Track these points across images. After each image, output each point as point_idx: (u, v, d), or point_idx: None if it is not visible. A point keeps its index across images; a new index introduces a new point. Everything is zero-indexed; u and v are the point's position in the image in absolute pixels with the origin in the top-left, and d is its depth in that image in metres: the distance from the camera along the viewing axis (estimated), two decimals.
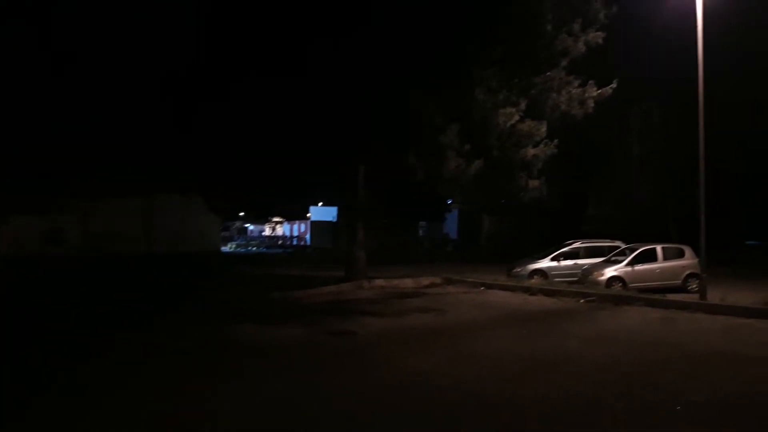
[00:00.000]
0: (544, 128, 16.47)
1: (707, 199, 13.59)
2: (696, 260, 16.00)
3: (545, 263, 19.31)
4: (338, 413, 5.71)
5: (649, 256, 17.08)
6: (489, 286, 17.34)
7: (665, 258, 17.18)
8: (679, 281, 16.84)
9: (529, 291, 15.80)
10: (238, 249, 55.94)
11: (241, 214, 62.07)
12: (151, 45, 16.56)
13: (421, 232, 54.39)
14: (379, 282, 18.04)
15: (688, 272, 16.86)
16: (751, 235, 38.00)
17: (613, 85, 16.54)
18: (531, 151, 16.50)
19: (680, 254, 17.48)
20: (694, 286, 15.82)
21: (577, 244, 19.97)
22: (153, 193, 36.72)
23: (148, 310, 13.15)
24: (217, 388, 6.60)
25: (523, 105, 15.95)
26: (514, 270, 19.57)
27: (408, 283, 18.51)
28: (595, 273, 16.89)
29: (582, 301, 14.07)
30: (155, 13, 15.98)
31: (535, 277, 18.60)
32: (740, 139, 25.90)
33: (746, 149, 26.34)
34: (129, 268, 25.86)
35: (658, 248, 17.41)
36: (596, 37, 16.10)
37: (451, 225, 51.59)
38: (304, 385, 6.76)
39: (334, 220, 52.19)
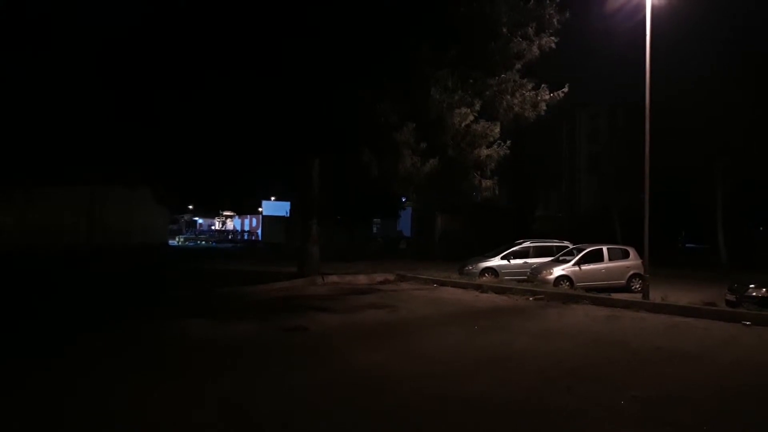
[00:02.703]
0: (497, 129, 16.77)
1: (651, 202, 14.14)
2: (640, 261, 16.60)
3: (496, 262, 19.66)
4: (288, 410, 5.65)
5: (596, 257, 17.64)
6: (441, 284, 17.54)
7: (611, 258, 17.78)
8: (624, 281, 17.47)
9: (481, 288, 16.06)
10: (187, 243, 54.69)
11: (190, 207, 60.63)
12: (100, 29, 15.96)
13: (375, 229, 54.51)
14: (333, 278, 17.96)
15: (632, 272, 17.50)
16: (690, 238, 39.83)
17: (565, 89, 16.96)
18: (485, 152, 16.78)
19: (625, 255, 18.13)
20: (638, 285, 16.44)
21: (526, 244, 20.42)
22: (96, 184, 35.36)
23: (81, 306, 12.63)
24: (161, 386, 6.41)
25: (477, 106, 16.19)
26: (466, 268, 19.84)
27: (361, 279, 18.51)
28: (544, 272, 17.31)
29: (531, 299, 14.40)
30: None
31: (486, 275, 18.94)
32: (682, 145, 27.01)
33: (688, 155, 27.51)
34: (66, 262, 24.81)
35: (604, 249, 18.01)
36: (549, 41, 16.48)
37: (405, 223, 51.92)
38: (254, 381, 6.65)
39: (287, 215, 51.68)
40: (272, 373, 7.08)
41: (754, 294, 12.00)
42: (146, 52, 15.32)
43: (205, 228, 74.25)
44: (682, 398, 6.05)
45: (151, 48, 15.16)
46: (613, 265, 17.68)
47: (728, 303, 12.41)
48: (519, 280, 17.62)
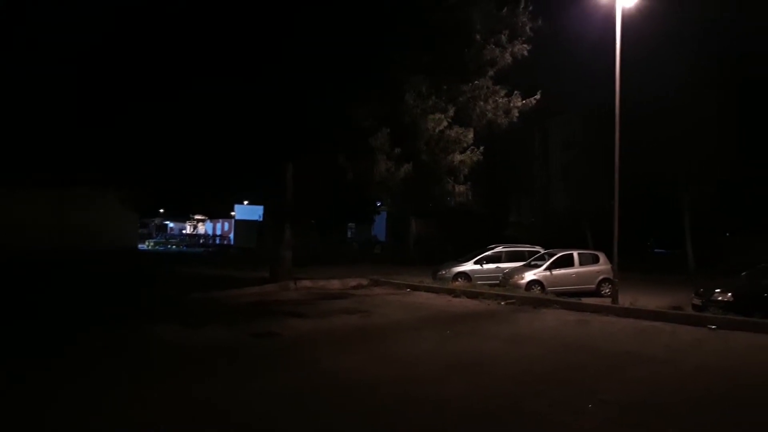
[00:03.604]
0: (471, 135, 16.92)
1: (620, 208, 14.36)
2: (609, 266, 16.86)
3: (469, 266, 19.76)
4: (259, 416, 5.57)
5: (566, 262, 17.86)
6: (415, 288, 17.55)
7: (581, 263, 18.02)
8: (594, 285, 17.71)
9: (453, 293, 16.12)
10: (157, 247, 53.89)
11: (161, 210, 59.75)
12: (71, 34, 15.64)
13: (349, 234, 54.41)
14: (305, 283, 17.84)
15: (601, 277, 17.76)
16: (659, 243, 40.66)
17: (537, 96, 17.18)
18: (458, 157, 16.90)
19: (595, 260, 18.39)
20: (607, 290, 16.68)
21: (499, 249, 20.58)
22: (65, 186, 34.57)
23: (49, 311, 12.33)
24: (130, 392, 6.27)
25: (451, 111, 16.32)
26: (440, 272, 19.91)
27: (335, 284, 18.43)
28: (516, 276, 17.46)
29: (503, 303, 14.50)
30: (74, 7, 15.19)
31: (459, 279, 19.02)
32: (651, 154, 27.57)
33: (657, 163, 28.09)
34: (31, 266, 24.18)
35: (575, 254, 18.25)
36: (522, 49, 16.69)
37: (379, 227, 51.93)
38: (225, 388, 6.55)
39: (260, 219, 51.23)
40: (243, 378, 6.97)
41: (719, 298, 12.27)
42: (117, 56, 15.07)
43: (176, 232, 73.23)
44: (649, 402, 6.14)
45: (123, 52, 14.92)
46: (584, 269, 17.93)
47: (695, 307, 12.66)
48: (491, 285, 17.73)
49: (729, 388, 6.87)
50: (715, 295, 12.41)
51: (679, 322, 11.51)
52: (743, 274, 13.96)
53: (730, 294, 12.21)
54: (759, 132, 26.89)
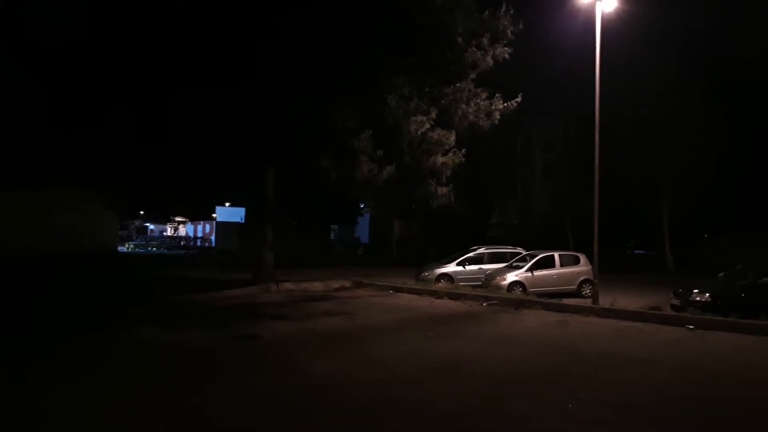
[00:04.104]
0: (453, 137, 16.97)
1: (601, 210, 14.52)
2: (590, 267, 17.02)
3: (451, 268, 19.83)
4: (241, 418, 5.52)
5: (548, 263, 18.00)
6: (397, 290, 17.57)
7: (562, 265, 18.18)
8: (575, 286, 17.86)
9: (436, 294, 16.17)
10: (137, 249, 53.27)
11: (141, 212, 59.08)
12: (51, 35, 15.46)
13: (332, 236, 54.27)
14: (288, 285, 17.75)
15: (582, 278, 17.93)
16: (639, 245, 41.19)
17: (518, 99, 17.28)
18: (440, 159, 16.95)
19: (576, 261, 18.57)
20: (588, 291, 16.83)
21: (481, 250, 20.68)
22: (43, 187, 34.06)
23: (23, 316, 12.11)
24: (112, 394, 6.18)
25: (433, 114, 16.36)
26: (422, 274, 19.95)
27: (317, 286, 18.36)
28: (498, 278, 17.56)
29: (485, 304, 14.57)
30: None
31: (442, 281, 19.08)
32: (631, 157, 27.93)
33: (637, 166, 28.46)
34: (8, 268, 23.74)
35: (556, 255, 18.40)
36: (503, 51, 16.77)
37: (362, 229, 51.93)
38: (207, 390, 6.49)
39: (242, 221, 50.90)
40: (223, 381, 6.91)
41: (697, 299, 12.45)
42: (97, 58, 14.89)
43: (156, 234, 72.43)
44: (628, 401, 6.21)
45: (102, 54, 14.75)
46: (565, 271, 18.09)
47: (673, 308, 12.85)
48: (474, 286, 17.81)
49: (707, 387, 6.97)
50: (694, 295, 12.60)
51: (658, 322, 11.68)
52: (721, 275, 14.19)
53: (708, 295, 12.40)
54: (739, 137, 27.37)
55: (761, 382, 7.26)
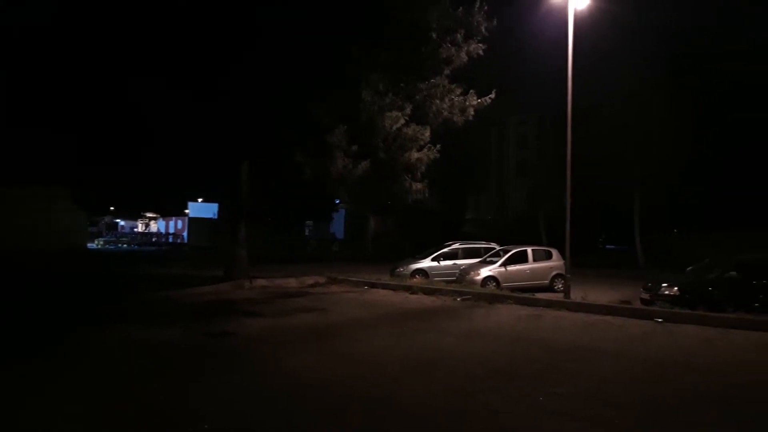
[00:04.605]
0: (427, 133, 17.03)
1: (573, 207, 14.73)
2: (562, 262, 17.23)
3: (426, 263, 19.91)
4: (214, 416, 5.45)
5: (521, 258, 18.19)
6: (372, 285, 17.57)
7: (535, 259, 18.39)
8: (547, 281, 18.11)
9: (411, 290, 16.21)
10: (107, 246, 52.30)
11: (111, 208, 57.92)
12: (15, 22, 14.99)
13: (307, 231, 54.03)
14: (261, 281, 17.62)
15: (554, 273, 18.18)
16: (611, 240, 41.93)
17: (492, 96, 17.40)
18: (415, 155, 16.99)
19: (548, 256, 18.80)
20: (560, 285, 17.06)
21: (455, 246, 20.81)
22: (7, 184, 33.10)
23: None
24: (78, 394, 6.05)
25: (408, 109, 16.39)
26: (397, 270, 19.99)
27: (291, 282, 18.27)
28: (472, 273, 17.69)
29: (459, 299, 14.67)
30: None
31: (417, 276, 19.15)
32: (603, 154, 28.38)
33: (608, 164, 28.94)
34: None
35: (529, 250, 18.61)
36: (477, 48, 16.87)
37: (337, 225, 51.74)
38: (178, 390, 6.39)
39: (215, 216, 50.32)
40: (197, 379, 6.81)
41: (666, 293, 12.71)
42: (62, 50, 14.50)
43: (127, 230, 71.25)
44: (598, 393, 6.30)
45: (67, 46, 14.37)
46: (537, 265, 18.30)
47: (643, 301, 13.10)
48: (448, 281, 17.92)
49: (673, 379, 7.12)
50: (662, 289, 12.85)
51: (628, 315, 11.89)
52: (689, 269, 14.50)
53: (676, 288, 12.65)
54: (708, 135, 28.00)
55: (724, 375, 7.43)
